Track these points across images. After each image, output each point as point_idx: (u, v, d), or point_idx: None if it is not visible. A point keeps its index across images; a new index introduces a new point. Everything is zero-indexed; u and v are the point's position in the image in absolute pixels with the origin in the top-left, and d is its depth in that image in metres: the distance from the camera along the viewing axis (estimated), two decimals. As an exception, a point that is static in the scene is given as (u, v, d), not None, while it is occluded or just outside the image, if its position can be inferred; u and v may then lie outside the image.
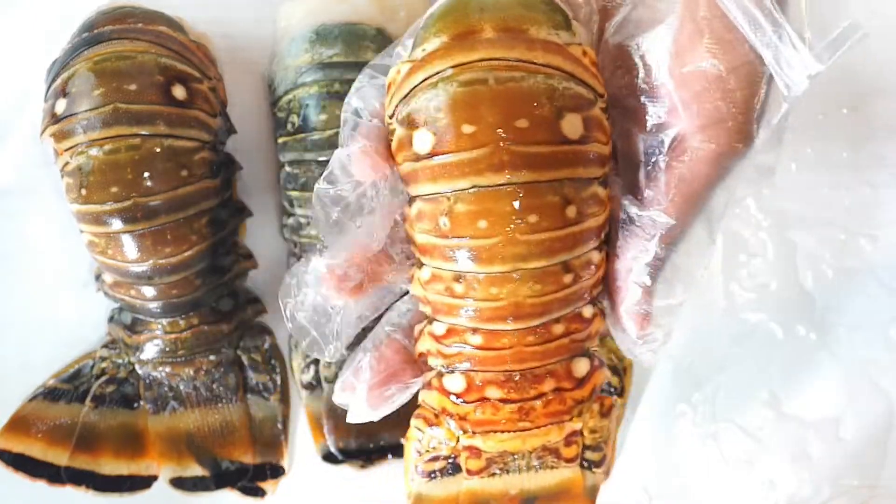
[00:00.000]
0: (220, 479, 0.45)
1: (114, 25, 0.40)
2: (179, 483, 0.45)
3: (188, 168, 0.39)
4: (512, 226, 0.28)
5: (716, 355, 0.48)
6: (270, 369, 0.46)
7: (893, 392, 0.48)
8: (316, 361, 0.46)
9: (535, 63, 0.28)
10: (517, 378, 0.30)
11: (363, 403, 0.32)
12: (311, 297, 0.31)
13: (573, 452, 0.33)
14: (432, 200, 0.29)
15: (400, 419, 0.46)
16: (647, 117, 0.30)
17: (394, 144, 0.30)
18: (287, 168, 0.44)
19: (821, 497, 0.47)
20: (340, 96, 0.41)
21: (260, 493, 0.46)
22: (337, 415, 0.46)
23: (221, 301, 0.44)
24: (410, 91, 0.29)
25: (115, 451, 0.44)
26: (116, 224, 0.38)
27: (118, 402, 0.45)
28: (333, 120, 0.42)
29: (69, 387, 0.45)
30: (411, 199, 0.30)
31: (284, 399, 0.47)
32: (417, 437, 0.33)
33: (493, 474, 0.32)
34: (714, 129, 0.29)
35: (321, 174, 0.43)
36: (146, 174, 0.38)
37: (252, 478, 0.46)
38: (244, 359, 0.46)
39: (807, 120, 0.48)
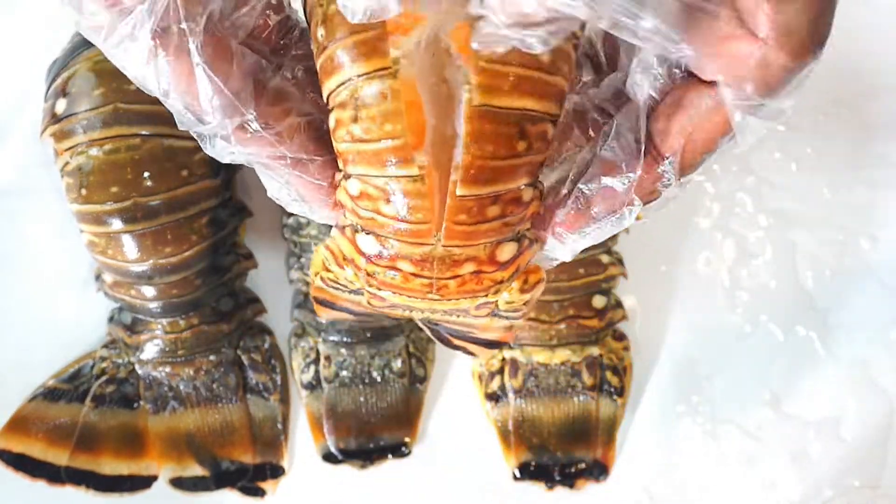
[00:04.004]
0: (220, 478, 0.45)
1: (114, 25, 0.40)
2: (179, 483, 0.45)
3: (188, 168, 0.40)
4: None
5: (716, 355, 0.48)
6: (270, 369, 0.46)
7: (893, 392, 0.48)
8: (316, 361, 0.46)
9: None
10: (435, 261, 0.26)
11: None
12: None
13: (484, 314, 0.29)
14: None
15: (401, 419, 0.46)
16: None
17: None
18: (287, 168, 0.44)
19: (821, 497, 0.47)
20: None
21: (260, 492, 0.46)
22: (337, 415, 0.46)
23: (221, 301, 0.44)
24: None
25: (115, 451, 0.44)
26: (116, 224, 0.38)
27: (118, 402, 0.45)
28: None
29: (69, 387, 0.45)
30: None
31: (284, 399, 0.47)
32: (325, 265, 0.29)
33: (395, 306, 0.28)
34: None
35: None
36: (146, 174, 0.38)
37: (252, 478, 0.46)
38: (244, 359, 0.46)
39: (807, 120, 0.48)
